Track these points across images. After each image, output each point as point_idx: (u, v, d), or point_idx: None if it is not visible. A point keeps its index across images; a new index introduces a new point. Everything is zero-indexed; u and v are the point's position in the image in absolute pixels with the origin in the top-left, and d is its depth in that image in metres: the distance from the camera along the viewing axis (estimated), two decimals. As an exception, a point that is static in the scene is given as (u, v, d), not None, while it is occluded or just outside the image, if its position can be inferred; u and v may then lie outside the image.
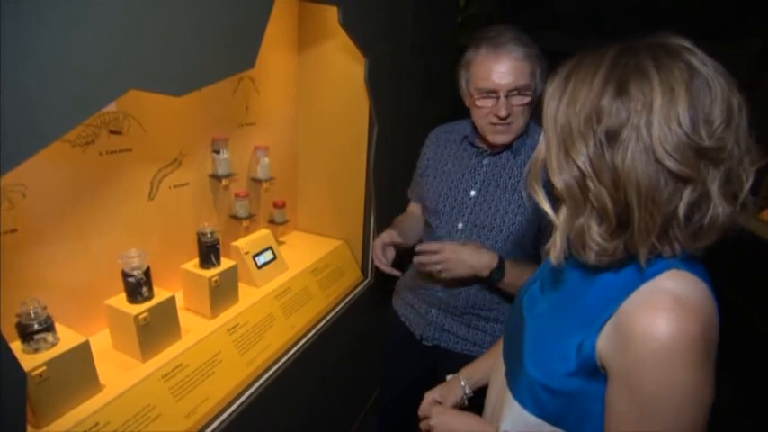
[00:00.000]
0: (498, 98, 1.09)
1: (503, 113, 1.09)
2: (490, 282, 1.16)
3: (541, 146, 0.64)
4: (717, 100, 0.53)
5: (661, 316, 0.54)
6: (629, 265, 0.61)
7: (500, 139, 1.15)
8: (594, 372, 0.61)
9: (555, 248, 0.64)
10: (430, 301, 1.30)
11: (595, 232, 0.59)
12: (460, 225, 1.23)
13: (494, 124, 1.13)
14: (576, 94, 0.59)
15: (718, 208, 0.55)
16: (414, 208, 1.47)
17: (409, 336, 1.38)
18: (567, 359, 0.63)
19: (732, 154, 0.54)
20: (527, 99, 1.11)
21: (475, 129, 1.24)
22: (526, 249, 1.21)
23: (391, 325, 1.46)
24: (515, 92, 1.09)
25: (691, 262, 0.59)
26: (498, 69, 1.08)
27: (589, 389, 0.62)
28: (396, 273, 1.27)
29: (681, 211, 0.55)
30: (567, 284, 0.71)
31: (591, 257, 0.61)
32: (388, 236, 1.28)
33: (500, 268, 1.13)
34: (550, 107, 0.62)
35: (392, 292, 1.50)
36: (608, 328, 0.59)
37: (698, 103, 0.53)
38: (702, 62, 0.55)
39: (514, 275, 1.13)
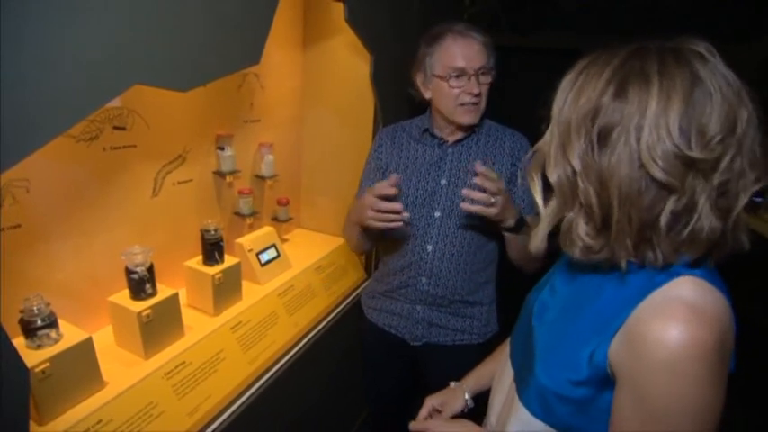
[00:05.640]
0: (469, 78, 1.16)
1: (476, 90, 1.16)
2: (513, 230, 1.15)
3: (546, 137, 0.64)
4: (716, 111, 0.52)
5: (674, 325, 0.52)
6: (640, 270, 0.60)
7: (468, 118, 1.20)
8: (605, 381, 0.60)
9: (536, 238, 0.65)
10: (414, 298, 1.30)
11: (582, 230, 0.60)
12: (438, 214, 1.25)
13: (464, 104, 1.18)
14: (582, 90, 0.59)
15: (704, 221, 0.53)
16: None
17: (391, 343, 1.37)
18: (578, 367, 0.62)
19: (731, 167, 0.52)
20: (491, 79, 1.20)
21: (432, 121, 1.28)
22: (497, 225, 1.24)
23: (368, 336, 1.45)
24: (482, 71, 1.17)
25: (705, 269, 0.57)
26: (466, 50, 1.16)
27: (599, 398, 0.61)
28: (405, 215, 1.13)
29: (663, 219, 0.54)
30: (578, 288, 0.70)
31: (576, 253, 0.61)
32: (380, 187, 1.12)
33: (522, 219, 1.16)
34: (559, 100, 0.62)
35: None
36: (620, 335, 0.58)
37: (693, 114, 0.52)
38: (711, 72, 0.53)
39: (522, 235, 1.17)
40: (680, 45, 0.56)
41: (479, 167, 1.06)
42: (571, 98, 0.60)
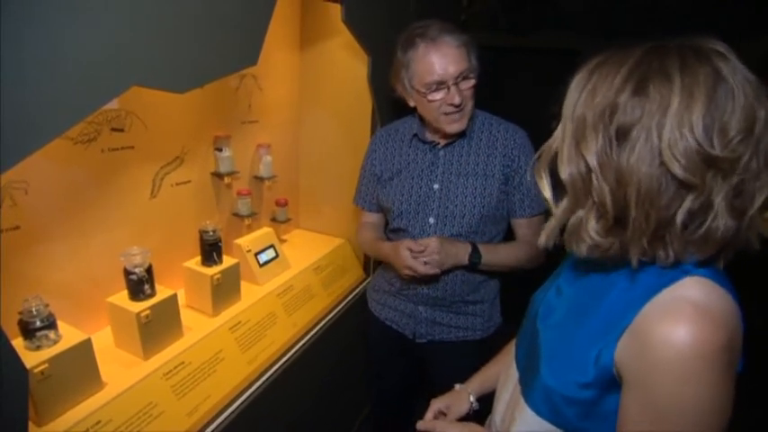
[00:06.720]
0: (448, 88, 1.12)
1: (457, 101, 1.12)
2: (471, 266, 1.20)
3: (557, 134, 0.64)
4: (738, 110, 0.51)
5: (681, 326, 0.52)
6: (646, 270, 0.59)
7: (456, 126, 1.17)
8: (612, 382, 0.60)
9: (546, 231, 0.65)
10: (416, 300, 1.31)
11: (592, 227, 0.59)
12: (432, 220, 1.24)
13: (448, 114, 1.15)
14: (597, 88, 0.58)
15: (719, 221, 0.53)
16: (369, 218, 1.42)
17: (394, 339, 1.38)
18: (584, 369, 0.62)
19: (748, 168, 0.52)
20: (473, 81, 1.15)
21: (421, 124, 1.26)
22: (499, 225, 1.26)
23: (373, 330, 1.46)
24: (461, 77, 1.12)
25: (712, 269, 0.57)
26: (441, 60, 1.10)
27: (606, 399, 0.61)
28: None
29: (679, 217, 0.54)
30: (584, 289, 0.70)
31: (583, 250, 0.61)
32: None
33: (476, 251, 1.18)
34: (571, 98, 0.61)
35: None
36: (627, 336, 0.58)
37: (716, 112, 0.51)
38: (733, 70, 0.53)
39: (489, 252, 1.20)
40: (699, 43, 0.56)
41: (416, 247, 1.16)
42: (585, 96, 0.59)
